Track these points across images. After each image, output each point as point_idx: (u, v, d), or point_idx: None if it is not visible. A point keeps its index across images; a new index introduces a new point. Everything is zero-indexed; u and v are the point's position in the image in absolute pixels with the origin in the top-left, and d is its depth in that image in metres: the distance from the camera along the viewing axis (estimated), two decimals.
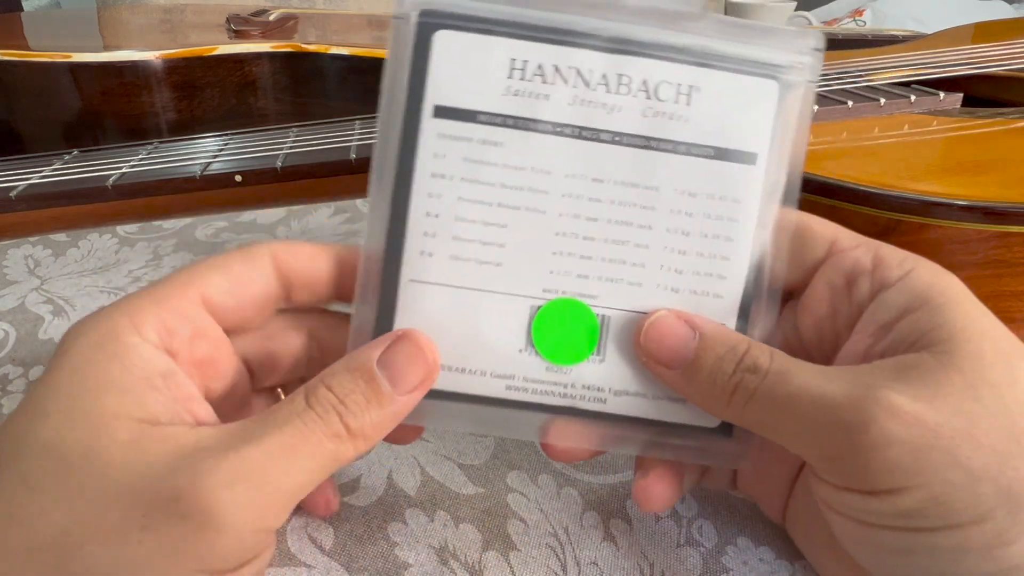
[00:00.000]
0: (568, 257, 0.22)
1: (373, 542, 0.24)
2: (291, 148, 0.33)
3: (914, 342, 0.19)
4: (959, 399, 0.17)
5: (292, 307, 0.23)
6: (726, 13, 1.28)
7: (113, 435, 0.17)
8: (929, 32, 0.61)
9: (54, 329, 0.37)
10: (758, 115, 0.21)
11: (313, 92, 0.56)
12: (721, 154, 0.21)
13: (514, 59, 0.21)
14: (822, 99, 0.35)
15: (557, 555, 0.24)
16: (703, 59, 0.21)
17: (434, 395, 0.22)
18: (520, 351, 0.22)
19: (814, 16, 1.01)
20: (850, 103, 0.34)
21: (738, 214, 0.22)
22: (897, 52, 0.47)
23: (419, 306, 0.21)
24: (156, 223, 0.50)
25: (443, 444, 0.29)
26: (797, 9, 1.05)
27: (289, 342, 0.23)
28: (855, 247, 0.21)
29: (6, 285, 0.42)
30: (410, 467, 0.27)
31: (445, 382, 0.22)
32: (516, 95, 0.21)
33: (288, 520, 0.25)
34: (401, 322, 0.21)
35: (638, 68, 0.21)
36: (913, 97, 0.35)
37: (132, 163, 0.33)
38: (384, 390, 0.19)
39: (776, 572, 0.23)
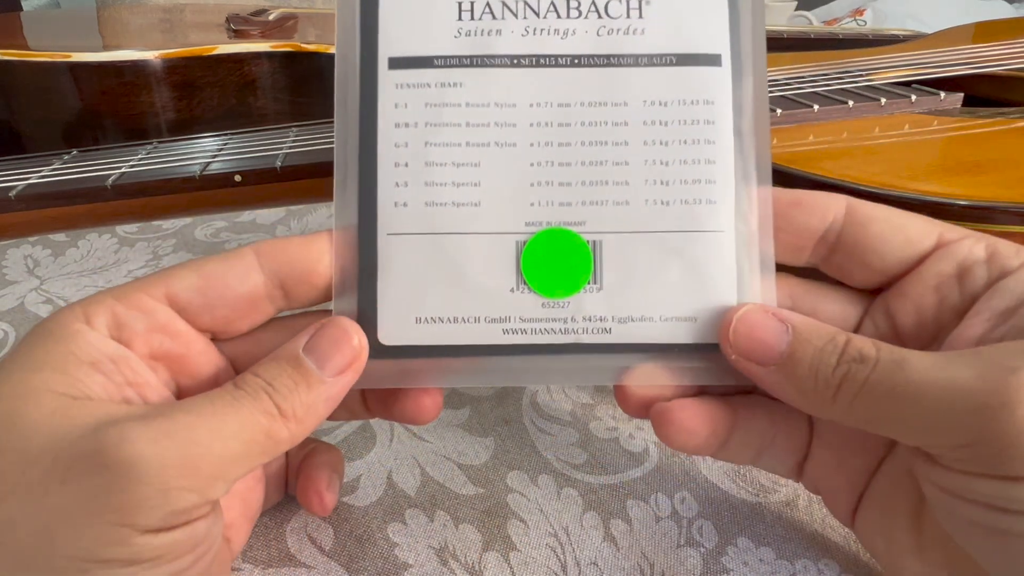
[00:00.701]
0: (547, 187, 0.21)
1: (373, 542, 0.24)
2: (291, 148, 0.33)
3: None
4: None
5: (299, 307, 0.22)
6: None
7: (39, 405, 0.17)
8: (929, 32, 0.61)
9: None
10: (713, 18, 0.21)
11: (313, 92, 0.56)
12: (684, 60, 0.21)
13: (460, 2, 0.21)
14: (822, 99, 0.35)
15: (557, 555, 0.24)
16: None
17: (430, 352, 0.21)
18: (512, 290, 0.21)
19: (814, 16, 1.01)
20: (850, 103, 0.34)
21: (713, 115, 0.21)
22: (898, 52, 0.47)
23: (400, 259, 0.21)
24: (155, 223, 0.49)
25: (443, 444, 0.29)
26: (797, 9, 1.05)
27: (280, 344, 0.22)
28: (965, 237, 0.21)
29: (5, 285, 0.42)
30: (410, 467, 0.27)
31: (439, 336, 0.21)
32: (468, 35, 0.21)
33: (282, 528, 0.25)
34: (384, 279, 0.21)
35: None
36: (914, 97, 0.35)
37: (131, 163, 0.33)
38: (312, 372, 0.19)
39: (777, 572, 0.23)
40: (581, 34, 0.21)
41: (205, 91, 0.54)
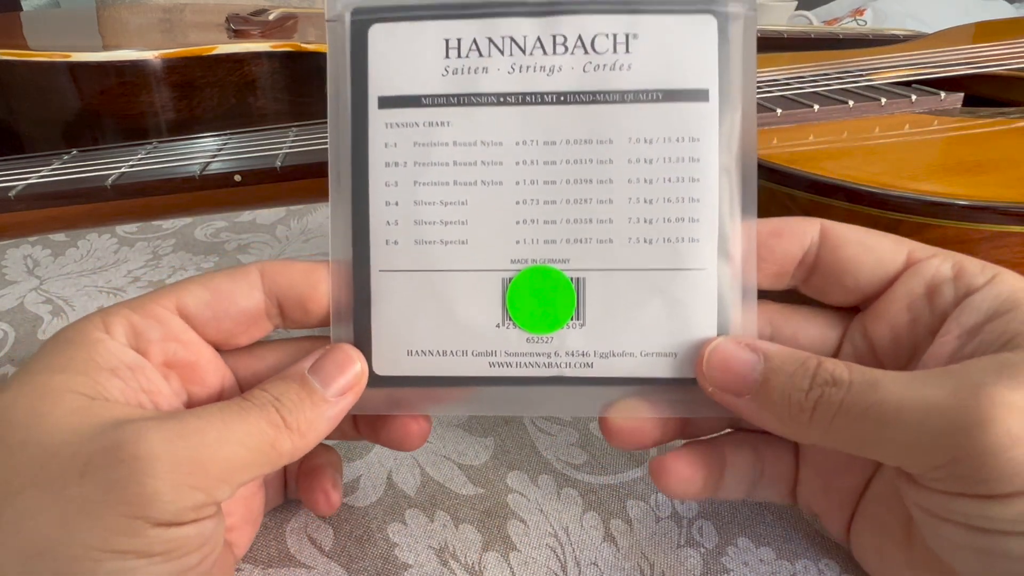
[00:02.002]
0: (532, 224, 0.21)
1: (373, 543, 0.24)
2: (291, 148, 0.33)
3: (1007, 342, 0.18)
4: None
5: (293, 328, 0.23)
6: None
7: (60, 404, 0.18)
8: (930, 32, 0.61)
9: (53, 329, 0.37)
10: (702, 51, 0.21)
11: (313, 92, 0.56)
12: (670, 95, 0.21)
13: (448, 39, 0.21)
14: (823, 99, 0.35)
15: (557, 556, 0.24)
16: (635, 5, 0.21)
17: (421, 382, 0.22)
18: (498, 326, 0.22)
19: (814, 16, 1.01)
20: (851, 103, 0.34)
21: (699, 153, 0.21)
22: (898, 52, 0.47)
23: (392, 295, 0.22)
24: (155, 223, 0.49)
25: (443, 444, 0.29)
26: (797, 9, 1.05)
27: (282, 364, 0.23)
28: (932, 256, 0.21)
29: (5, 285, 0.42)
30: (410, 467, 0.27)
31: (429, 367, 0.22)
32: (455, 73, 0.21)
33: (282, 528, 0.25)
34: (377, 313, 0.22)
35: (571, 26, 0.21)
36: (914, 97, 0.35)
37: (131, 163, 0.33)
38: (316, 391, 0.20)
39: (777, 573, 0.23)
40: (567, 70, 0.21)
41: (205, 91, 0.54)
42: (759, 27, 0.79)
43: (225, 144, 0.35)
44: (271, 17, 0.64)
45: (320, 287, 0.22)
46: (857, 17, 1.21)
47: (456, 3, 0.22)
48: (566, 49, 0.21)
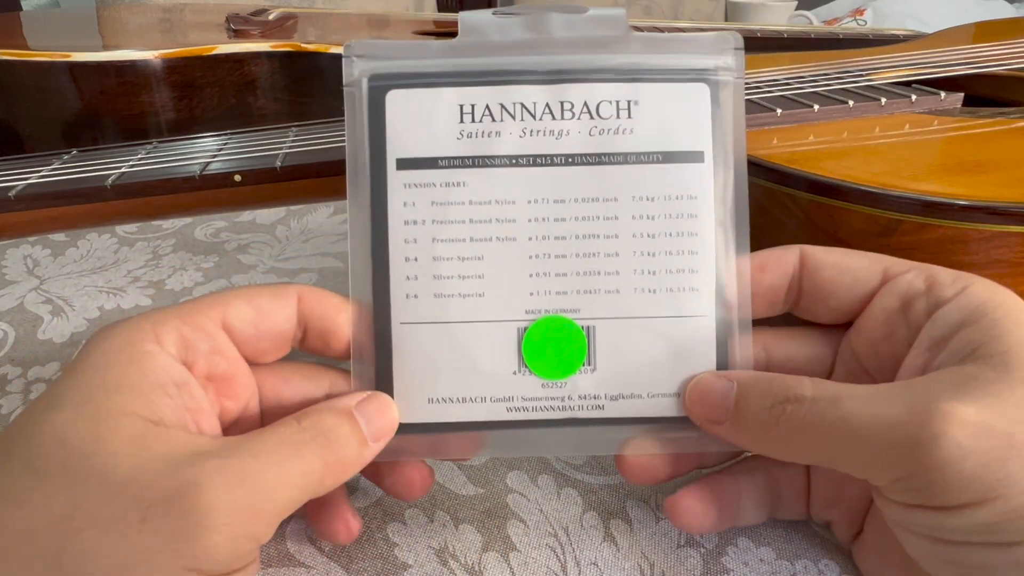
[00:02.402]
0: (544, 277, 0.23)
1: (373, 543, 0.24)
2: (291, 148, 0.33)
3: (970, 354, 0.19)
4: None
5: (310, 353, 0.24)
6: (726, 13, 1.28)
7: (120, 430, 0.18)
8: (929, 32, 0.61)
9: (53, 329, 0.37)
10: (697, 116, 0.23)
11: (313, 92, 0.56)
12: (669, 157, 0.23)
13: (462, 104, 0.23)
14: (823, 99, 0.35)
15: (557, 556, 0.24)
16: (635, 75, 0.23)
17: (440, 428, 0.23)
18: (515, 373, 0.23)
19: (814, 16, 1.01)
20: (851, 103, 0.34)
21: (696, 209, 0.23)
22: (898, 52, 0.47)
23: (412, 346, 0.23)
24: (155, 223, 0.49)
25: None
26: (797, 9, 1.05)
27: (303, 389, 0.23)
28: (907, 271, 0.22)
29: (5, 285, 0.42)
30: None
31: (449, 414, 0.23)
32: (470, 136, 0.23)
33: (282, 528, 0.25)
34: (398, 364, 0.23)
35: (577, 93, 0.23)
36: (914, 97, 0.35)
37: (131, 163, 0.33)
38: (361, 431, 0.21)
39: (777, 573, 0.23)
40: (574, 134, 0.23)
41: (205, 91, 0.54)
42: (759, 27, 0.79)
43: (225, 144, 0.35)
44: (271, 17, 0.64)
45: (347, 326, 0.23)
46: (857, 17, 1.21)
47: (469, 71, 0.23)
48: (573, 114, 0.23)
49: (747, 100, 0.35)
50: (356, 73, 0.23)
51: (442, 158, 0.23)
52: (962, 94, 0.36)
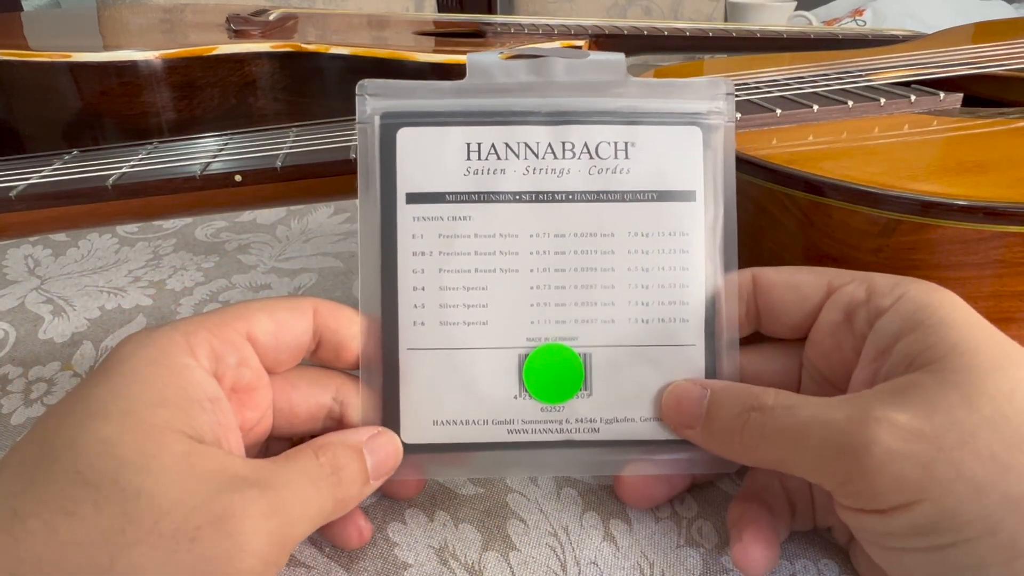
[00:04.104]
0: (545, 307, 0.24)
1: (373, 543, 0.24)
2: (291, 148, 0.33)
3: (910, 363, 0.20)
4: (956, 412, 0.18)
5: (320, 363, 0.24)
6: (726, 13, 1.28)
7: (168, 445, 0.18)
8: (929, 32, 0.61)
9: (54, 329, 0.37)
10: (689, 158, 0.24)
11: (313, 92, 0.56)
12: (663, 196, 0.24)
13: (469, 143, 0.24)
14: (822, 99, 0.35)
15: (557, 555, 0.24)
16: (633, 118, 0.24)
17: (444, 448, 0.24)
18: (515, 397, 0.24)
19: (814, 16, 1.01)
20: (850, 103, 0.34)
21: (688, 245, 0.24)
22: (897, 52, 0.47)
23: (419, 371, 0.24)
24: (156, 223, 0.50)
25: None
26: (797, 9, 1.05)
27: (313, 395, 0.24)
28: (849, 282, 0.23)
29: (6, 285, 0.42)
30: None
31: (453, 435, 0.24)
32: (476, 173, 0.24)
33: None
34: (405, 387, 0.24)
35: (578, 134, 0.24)
36: (913, 97, 0.35)
37: (132, 163, 0.33)
38: (367, 471, 0.22)
39: (777, 572, 0.23)
40: (575, 172, 0.24)
41: (205, 91, 0.54)
42: (759, 27, 0.79)
43: (226, 144, 0.35)
44: (271, 17, 0.64)
45: (356, 341, 0.24)
46: (856, 17, 1.21)
47: (477, 111, 0.24)
48: (574, 154, 0.24)
49: (747, 100, 0.35)
50: (369, 111, 0.24)
51: (449, 193, 0.24)
52: (961, 94, 0.36)
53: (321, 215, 0.51)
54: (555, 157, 0.24)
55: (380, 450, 0.22)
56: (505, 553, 0.24)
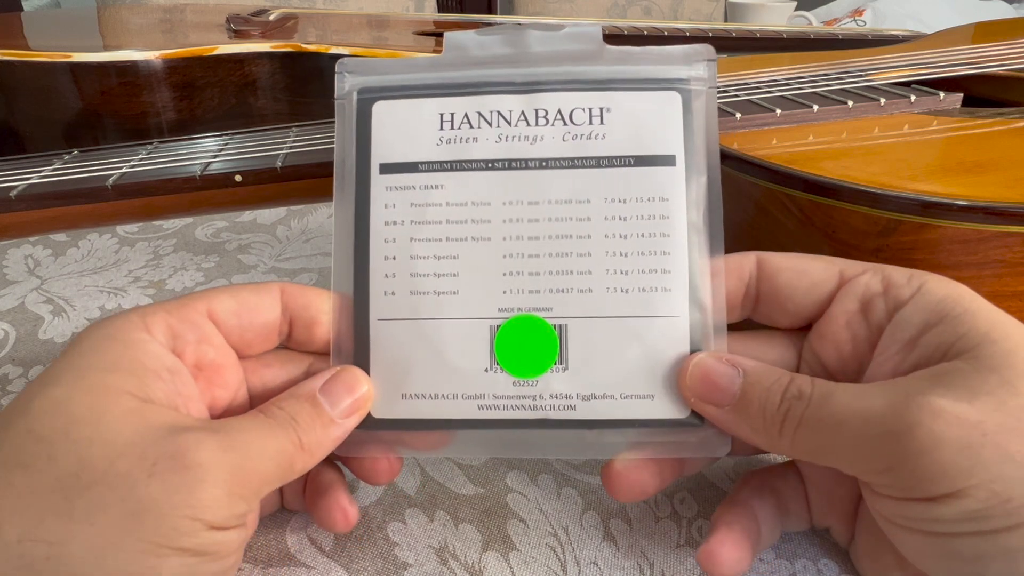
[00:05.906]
0: (518, 276, 0.23)
1: (373, 542, 0.24)
2: (291, 148, 0.33)
3: (944, 353, 0.19)
4: (999, 396, 0.18)
5: (295, 347, 0.24)
6: (726, 14, 1.28)
7: (117, 403, 0.19)
8: (929, 32, 0.61)
9: (54, 329, 0.37)
10: (668, 123, 0.23)
11: (313, 92, 0.56)
12: (640, 161, 0.23)
13: (442, 113, 0.24)
14: (822, 99, 0.35)
15: (557, 555, 0.24)
16: (609, 85, 0.24)
17: (412, 425, 0.23)
18: (486, 370, 0.23)
19: (814, 16, 1.01)
20: (850, 103, 0.34)
21: (668, 211, 0.23)
22: (897, 52, 0.47)
23: (388, 342, 0.23)
24: (156, 223, 0.50)
25: None
26: (797, 9, 1.05)
27: (286, 372, 0.24)
28: (862, 272, 0.22)
29: (6, 285, 0.42)
30: (410, 467, 0.27)
31: (422, 410, 0.23)
32: (449, 142, 0.24)
33: (282, 528, 0.25)
34: (375, 359, 0.23)
35: (552, 101, 0.24)
36: (913, 97, 0.35)
37: (132, 163, 0.33)
38: (326, 412, 0.21)
39: (776, 572, 0.23)
40: (548, 140, 0.24)
41: (205, 91, 0.54)
42: (759, 28, 0.79)
43: (226, 144, 0.35)
44: (271, 17, 0.64)
45: (329, 316, 0.24)
46: (856, 17, 1.21)
47: (450, 83, 0.24)
48: (547, 121, 0.24)
49: (747, 100, 0.35)
50: (347, 87, 0.25)
51: (422, 162, 0.24)
52: (961, 94, 0.36)
53: (321, 215, 0.51)
54: (528, 125, 0.24)
55: (340, 391, 0.22)
56: (505, 553, 0.24)
